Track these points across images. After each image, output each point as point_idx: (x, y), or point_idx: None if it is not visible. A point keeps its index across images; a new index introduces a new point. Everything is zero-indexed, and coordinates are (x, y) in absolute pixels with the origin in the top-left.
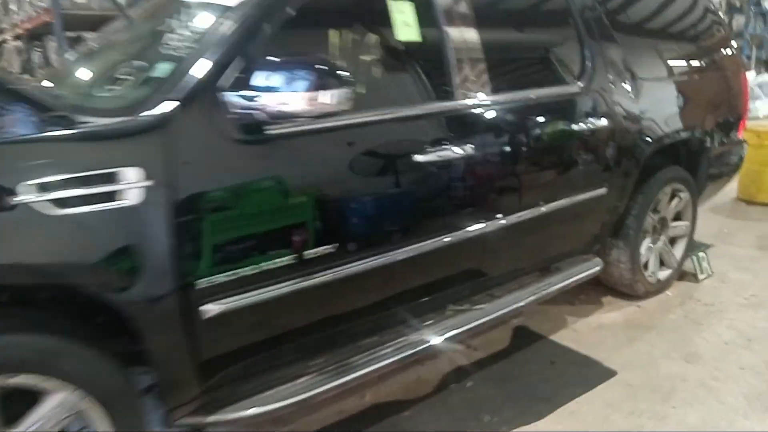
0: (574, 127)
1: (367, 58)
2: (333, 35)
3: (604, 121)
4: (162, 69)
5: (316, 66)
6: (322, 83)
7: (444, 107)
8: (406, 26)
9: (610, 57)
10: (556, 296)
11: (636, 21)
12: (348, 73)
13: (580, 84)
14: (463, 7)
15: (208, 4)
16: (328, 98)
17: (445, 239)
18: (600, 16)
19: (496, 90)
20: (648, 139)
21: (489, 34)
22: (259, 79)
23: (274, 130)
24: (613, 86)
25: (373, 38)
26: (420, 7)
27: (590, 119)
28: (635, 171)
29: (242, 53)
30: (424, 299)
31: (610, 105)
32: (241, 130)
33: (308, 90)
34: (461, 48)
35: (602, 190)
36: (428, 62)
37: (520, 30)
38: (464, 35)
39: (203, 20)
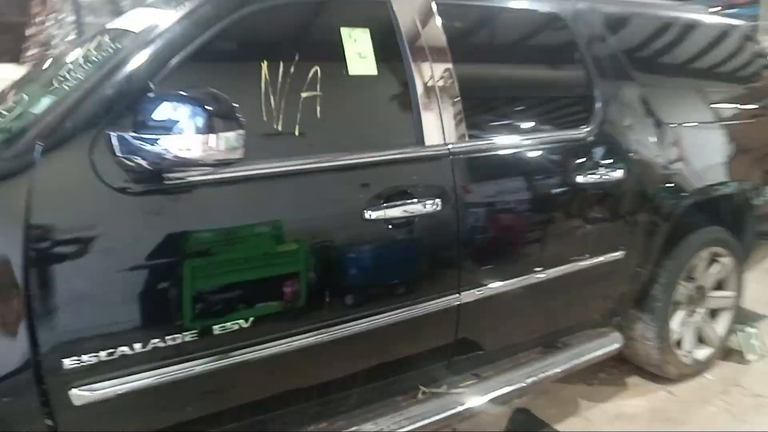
0: (579, 178)
1: (307, 95)
2: (265, 68)
3: (618, 173)
4: (41, 104)
5: (201, 104)
6: (208, 125)
7: (409, 154)
8: (360, 58)
9: (628, 99)
10: (570, 375)
11: (665, 61)
12: (239, 114)
13: (587, 129)
14: (437, 39)
15: (120, 30)
16: (214, 143)
17: (407, 311)
18: (615, 53)
19: (477, 135)
20: (678, 193)
21: (469, 70)
22: (154, 119)
23: (173, 180)
24: (631, 132)
25: (317, 72)
26: (380, 37)
27: (600, 170)
28: (661, 231)
29: (138, 88)
30: (387, 380)
31: (627, 154)
32: (130, 179)
33: (196, 132)
34: (431, 85)
35: (618, 254)
36: (389, 102)
37: (511, 66)
38: (436, 71)
39: (103, 48)
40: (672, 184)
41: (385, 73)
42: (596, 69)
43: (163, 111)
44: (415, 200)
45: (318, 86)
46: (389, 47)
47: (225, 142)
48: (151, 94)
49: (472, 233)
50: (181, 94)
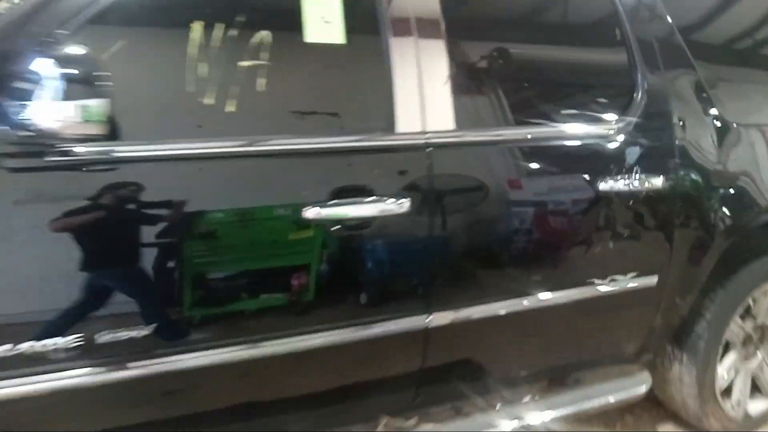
0: (602, 184)
1: (249, 64)
2: (197, 29)
3: (658, 180)
4: None
5: (58, 65)
6: (61, 90)
7: (371, 142)
8: (324, 23)
9: (681, 91)
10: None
11: (745, 48)
12: (101, 80)
13: (621, 124)
14: (428, 7)
15: None
16: (71, 113)
17: (360, 331)
18: (671, 34)
19: (468, 123)
20: (744, 210)
21: (467, 47)
22: (20, 82)
23: (54, 157)
24: (681, 131)
25: (265, 37)
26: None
27: (634, 175)
28: (712, 256)
29: (25, 48)
30: (339, 406)
31: (672, 157)
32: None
33: (49, 99)
34: (413, 62)
35: (650, 279)
36: (354, 78)
37: (524, 42)
38: (422, 45)
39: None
40: (736, 199)
41: (354, 43)
42: (642, 51)
43: (30, 74)
44: (375, 198)
45: (264, 54)
46: (364, 13)
47: (82, 113)
48: (24, 54)
49: (451, 243)
50: (43, 54)
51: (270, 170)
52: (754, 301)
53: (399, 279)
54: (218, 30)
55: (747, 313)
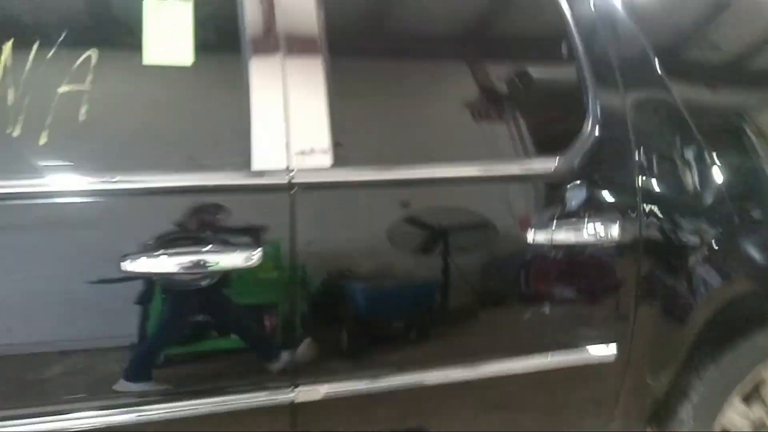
0: (535, 235)
1: (68, 89)
2: (7, 50)
3: (612, 228)
4: None
5: None
6: None
7: (213, 182)
8: (169, 41)
9: (648, 117)
10: None
11: (741, 64)
12: None
13: (563, 159)
14: (303, 22)
15: None
16: None
17: (202, 405)
18: (639, 50)
19: (355, 159)
20: (732, 266)
21: (355, 66)
22: None
23: None
24: (646, 166)
25: (90, 58)
26: (209, 14)
27: (579, 222)
28: (693, 323)
29: None
30: None
31: (633, 198)
32: None
33: None
34: (275, 87)
35: (604, 352)
36: (203, 105)
37: (435, 58)
38: (291, 65)
39: None
40: (720, 251)
41: (205, 64)
42: (594, 69)
43: None
44: (214, 248)
45: (88, 78)
46: (222, 30)
47: None
48: None
49: (324, 303)
50: None
51: (89, 213)
52: (763, 380)
53: (250, 346)
54: (31, 49)
55: (756, 393)
